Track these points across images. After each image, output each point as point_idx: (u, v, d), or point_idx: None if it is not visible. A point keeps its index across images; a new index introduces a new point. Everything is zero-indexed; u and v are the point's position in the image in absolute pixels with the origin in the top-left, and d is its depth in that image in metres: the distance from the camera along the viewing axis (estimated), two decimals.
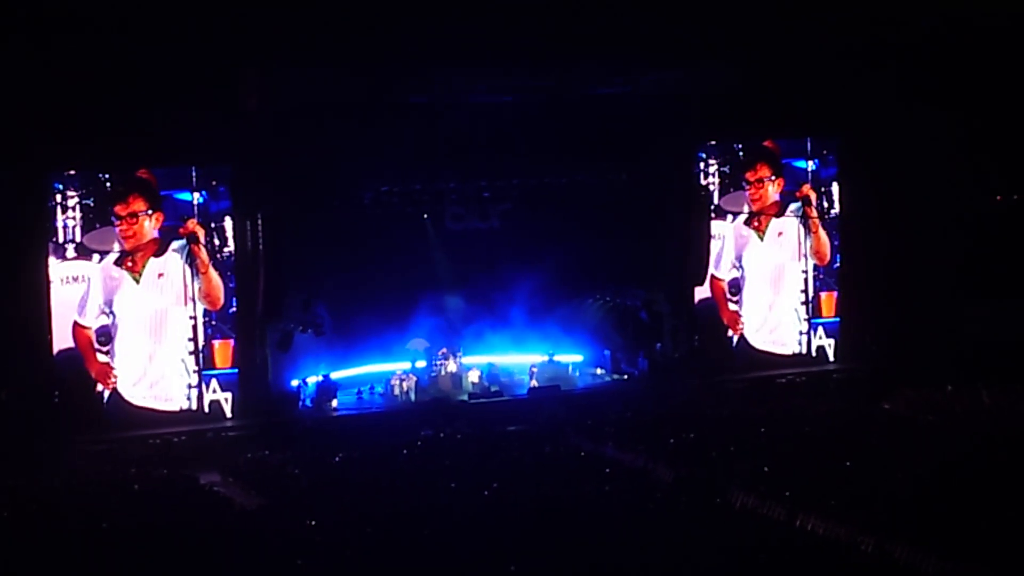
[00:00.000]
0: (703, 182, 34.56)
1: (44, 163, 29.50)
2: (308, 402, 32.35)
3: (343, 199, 32.81)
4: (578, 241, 34.40)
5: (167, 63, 29.02)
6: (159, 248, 30.54)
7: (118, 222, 30.16)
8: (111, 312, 30.20)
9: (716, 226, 34.65)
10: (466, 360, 34.64)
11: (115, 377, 30.19)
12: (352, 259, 33.31)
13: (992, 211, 36.40)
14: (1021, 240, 35.39)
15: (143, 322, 30.50)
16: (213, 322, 31.10)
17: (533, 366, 34.48)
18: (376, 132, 31.26)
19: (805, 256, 35.61)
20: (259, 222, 30.95)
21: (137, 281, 30.35)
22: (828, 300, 35.93)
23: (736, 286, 35.02)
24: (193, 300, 30.79)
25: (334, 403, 32.44)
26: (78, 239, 29.95)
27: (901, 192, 34.87)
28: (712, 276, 34.64)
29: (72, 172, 29.84)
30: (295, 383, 32.47)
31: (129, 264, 30.30)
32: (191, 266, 30.74)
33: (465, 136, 31.98)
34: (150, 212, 30.35)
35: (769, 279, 35.41)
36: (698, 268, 34.39)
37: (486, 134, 32.15)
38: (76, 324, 29.98)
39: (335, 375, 33.17)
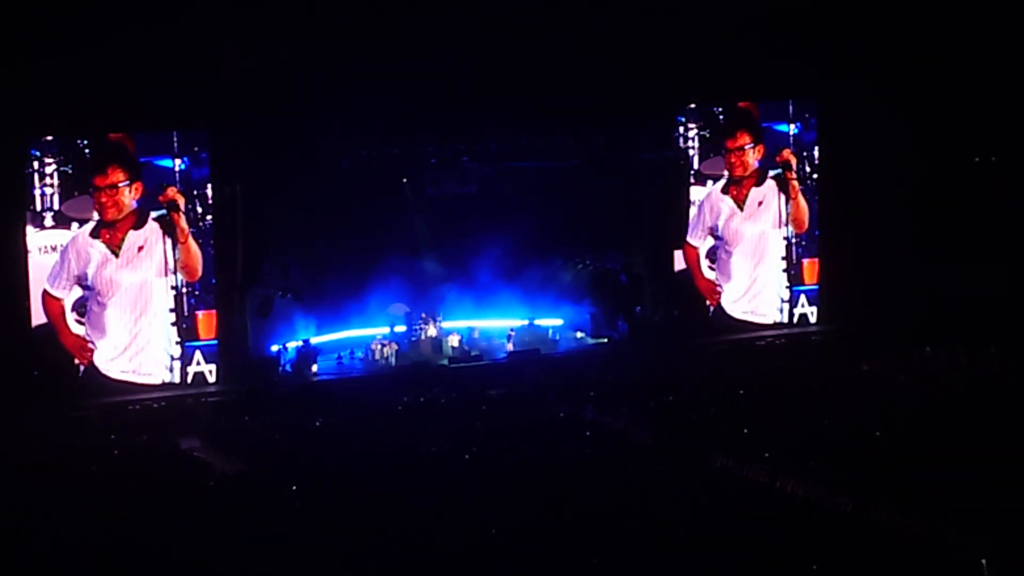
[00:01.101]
0: (683, 146, 34.45)
1: (20, 129, 29.11)
2: (288, 367, 32.30)
3: (321, 165, 32.69)
4: (558, 205, 34.38)
5: (144, 27, 28.80)
6: (138, 220, 30.00)
7: (97, 194, 29.57)
8: (87, 285, 29.75)
9: (694, 192, 34.58)
10: (446, 324, 34.64)
11: (91, 350, 29.85)
12: (331, 224, 33.24)
13: (970, 173, 36.41)
14: (999, 202, 35.44)
15: (123, 296, 30.04)
16: (196, 292, 30.66)
17: (511, 330, 34.48)
18: (354, 97, 31.16)
19: (785, 224, 35.47)
20: (237, 188, 30.79)
21: (116, 255, 29.91)
22: (810, 267, 35.75)
23: (714, 255, 34.96)
24: (174, 271, 30.41)
25: (314, 368, 32.40)
26: (56, 207, 29.46)
27: (880, 154, 34.85)
28: (686, 244, 34.57)
29: (50, 138, 29.35)
30: (275, 348, 32.42)
31: (107, 236, 29.77)
32: (170, 236, 30.32)
33: (443, 101, 31.89)
34: (129, 183, 29.80)
35: (749, 250, 35.25)
36: (677, 230, 34.40)
37: (465, 98, 32.04)
38: (47, 294, 29.48)
39: (315, 340, 33.15)
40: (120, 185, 29.78)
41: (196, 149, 30.48)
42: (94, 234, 29.74)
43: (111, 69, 28.74)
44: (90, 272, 29.73)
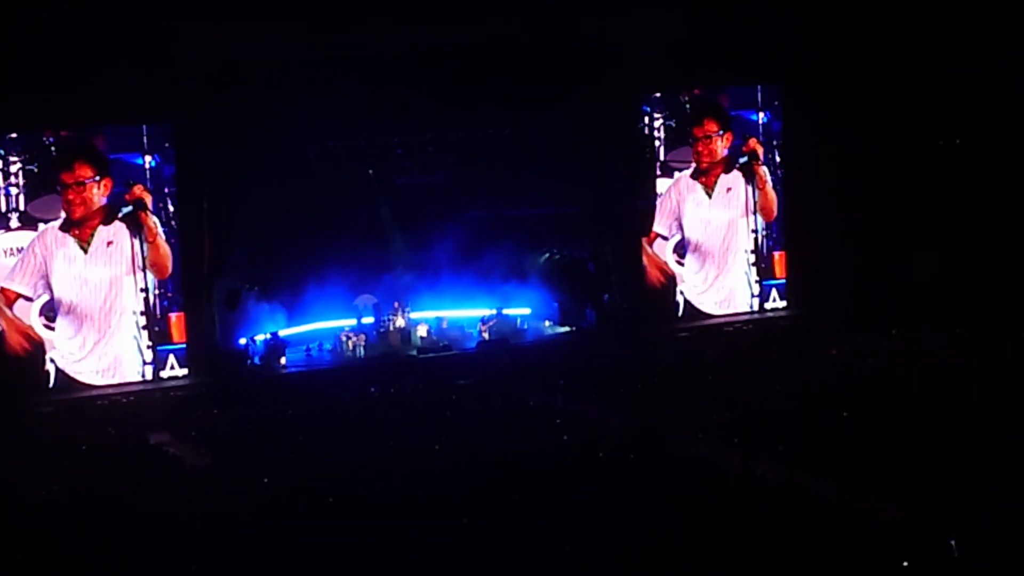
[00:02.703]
0: (648, 135, 34.43)
1: None
2: (257, 360, 32.25)
3: (288, 155, 32.62)
4: (524, 193, 34.42)
5: (105, 19, 28.61)
6: (107, 216, 29.73)
7: (64, 191, 29.23)
8: (50, 284, 29.38)
9: (661, 183, 34.56)
10: (414, 315, 34.63)
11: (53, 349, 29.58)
12: (298, 215, 33.17)
13: (935, 156, 36.57)
14: (964, 184, 35.60)
15: (92, 295, 29.78)
16: (168, 294, 30.48)
17: (488, 318, 34.45)
18: (320, 87, 31.08)
19: (754, 213, 35.48)
20: (203, 180, 30.65)
21: (85, 251, 29.62)
22: (781, 260, 35.89)
23: (682, 250, 35.00)
24: (143, 269, 30.09)
25: (283, 361, 32.35)
26: (22, 208, 29.13)
27: (846, 139, 34.97)
28: (653, 232, 34.54)
29: (14, 135, 28.96)
30: (243, 341, 32.35)
31: (76, 233, 29.49)
32: (137, 236, 29.95)
33: (410, 90, 31.83)
34: (98, 178, 29.53)
35: (718, 240, 35.32)
36: (645, 218, 34.44)
37: (431, 88, 32.00)
38: (4, 289, 29.12)
39: (283, 333, 33.08)
40: (87, 181, 29.45)
41: (167, 145, 30.20)
42: (64, 229, 29.41)
43: (73, 62, 28.56)
44: (57, 268, 29.35)
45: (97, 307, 29.92)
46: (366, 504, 20.71)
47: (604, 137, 34.25)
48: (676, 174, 34.71)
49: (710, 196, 35.02)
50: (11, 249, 29.16)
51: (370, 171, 34.23)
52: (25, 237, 29.25)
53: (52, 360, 29.61)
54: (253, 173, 31.70)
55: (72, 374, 29.78)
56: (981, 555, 17.23)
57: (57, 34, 28.41)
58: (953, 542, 17.33)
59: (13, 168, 28.95)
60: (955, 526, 17.71)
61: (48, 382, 29.57)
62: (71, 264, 29.52)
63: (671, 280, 34.97)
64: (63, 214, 29.41)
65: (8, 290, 29.22)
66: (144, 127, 30.11)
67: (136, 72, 29.00)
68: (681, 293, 35.20)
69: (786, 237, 35.82)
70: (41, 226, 29.30)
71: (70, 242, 29.49)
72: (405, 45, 31.55)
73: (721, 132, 34.96)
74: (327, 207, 33.64)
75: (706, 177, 34.94)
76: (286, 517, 20.31)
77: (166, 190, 30.37)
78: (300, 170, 32.83)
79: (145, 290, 30.19)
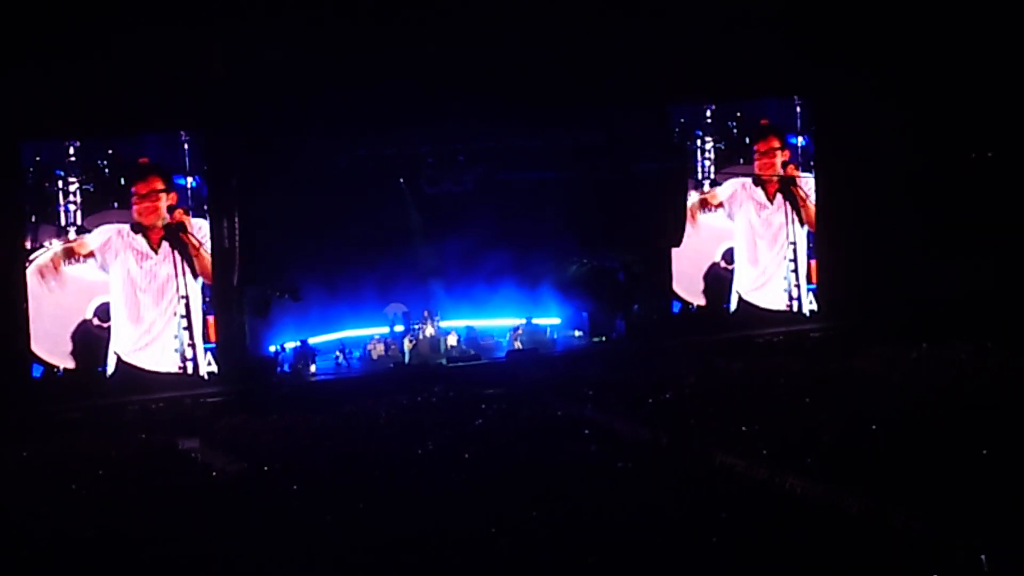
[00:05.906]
0: (699, 159, 34.93)
1: (15, 133, 29.42)
2: (286, 367, 32.34)
3: (319, 164, 32.69)
4: (554, 203, 34.42)
5: (135, 31, 28.85)
6: (167, 229, 31.04)
7: (139, 201, 30.74)
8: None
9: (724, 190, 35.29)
10: (444, 324, 34.66)
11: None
12: (329, 224, 33.23)
13: (965, 169, 36.48)
14: (992, 198, 35.50)
15: (156, 291, 31.02)
16: (207, 298, 31.43)
17: (518, 327, 34.50)
18: (351, 97, 31.18)
19: (803, 225, 36.09)
20: (234, 188, 30.88)
21: (156, 252, 30.96)
22: (815, 268, 36.39)
23: (730, 256, 35.47)
24: (189, 278, 31.24)
25: (312, 368, 32.44)
26: (79, 222, 30.27)
27: (874, 152, 34.93)
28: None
29: (72, 159, 30.01)
30: (273, 349, 32.45)
31: (146, 235, 30.93)
32: (182, 254, 31.15)
33: (440, 100, 31.89)
34: (166, 191, 31.01)
35: (769, 243, 35.95)
36: (675, 229, 34.43)
37: (461, 97, 32.03)
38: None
39: (313, 340, 33.16)
40: (159, 191, 30.98)
41: (206, 168, 31.17)
42: (135, 231, 30.81)
43: (101, 71, 28.83)
44: (129, 258, 30.74)
45: (156, 300, 31.07)
46: (394, 512, 20.77)
47: (633, 147, 34.24)
48: (734, 180, 35.38)
49: (771, 202, 35.71)
50: (71, 259, 30.21)
51: (400, 180, 34.28)
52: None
53: (116, 353, 30.67)
54: (283, 182, 31.77)
55: (132, 362, 30.75)
56: (1011, 570, 17.20)
57: (88, 45, 28.69)
58: (984, 557, 17.30)
59: (72, 187, 30.22)
60: (985, 541, 17.67)
61: (106, 371, 30.57)
62: (144, 259, 30.94)
63: (726, 280, 35.56)
64: (126, 224, 30.72)
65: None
66: (186, 149, 31.09)
67: (166, 82, 29.26)
68: (736, 292, 35.73)
69: (818, 250, 35.90)
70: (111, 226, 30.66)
71: (142, 241, 30.87)
72: (435, 54, 31.57)
73: (781, 148, 35.77)
74: (357, 215, 33.68)
75: (765, 188, 35.70)
76: (314, 523, 20.40)
77: (205, 207, 31.36)
78: (330, 179, 32.84)
79: (186, 297, 31.23)
